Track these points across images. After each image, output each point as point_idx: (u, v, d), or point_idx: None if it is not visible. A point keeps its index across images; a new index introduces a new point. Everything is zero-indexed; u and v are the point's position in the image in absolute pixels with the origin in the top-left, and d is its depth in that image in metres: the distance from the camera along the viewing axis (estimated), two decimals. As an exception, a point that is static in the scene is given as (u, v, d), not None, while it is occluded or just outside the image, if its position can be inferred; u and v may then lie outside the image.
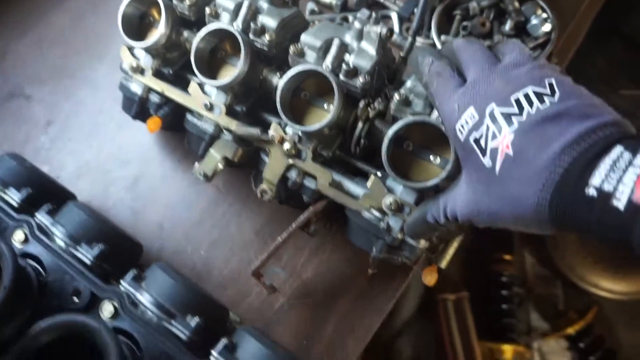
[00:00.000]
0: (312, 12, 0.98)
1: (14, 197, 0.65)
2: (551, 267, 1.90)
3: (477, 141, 0.44)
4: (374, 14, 0.63)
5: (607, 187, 0.35)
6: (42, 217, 0.63)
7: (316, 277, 0.77)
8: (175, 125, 0.78)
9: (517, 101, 0.42)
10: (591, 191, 0.36)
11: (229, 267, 0.78)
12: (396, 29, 0.95)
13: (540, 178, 0.38)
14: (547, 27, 0.81)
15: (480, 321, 1.68)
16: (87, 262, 0.61)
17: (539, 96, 0.41)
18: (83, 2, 1.05)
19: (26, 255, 0.61)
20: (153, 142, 0.88)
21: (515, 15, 0.82)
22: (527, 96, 0.42)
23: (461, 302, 1.71)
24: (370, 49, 0.64)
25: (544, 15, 0.82)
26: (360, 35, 0.65)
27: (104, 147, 0.89)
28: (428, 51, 0.54)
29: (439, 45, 0.85)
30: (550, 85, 0.42)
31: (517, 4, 0.83)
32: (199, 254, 0.79)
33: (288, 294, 0.76)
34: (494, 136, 0.42)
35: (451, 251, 0.66)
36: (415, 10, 0.94)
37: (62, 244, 0.62)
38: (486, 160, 0.43)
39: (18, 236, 0.61)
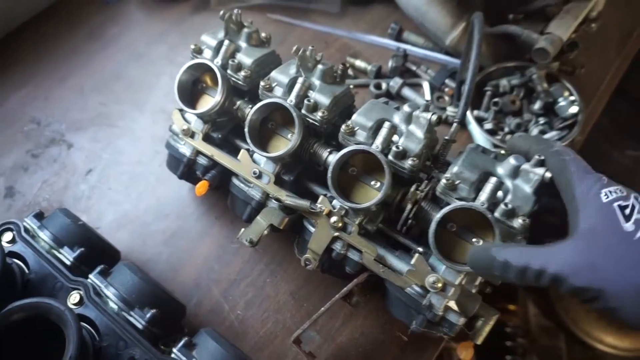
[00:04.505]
0: (348, 76, 1.02)
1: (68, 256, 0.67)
2: (555, 319, 1.92)
3: (621, 208, 0.50)
4: (426, 101, 0.67)
5: None
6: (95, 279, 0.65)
7: (350, 342, 0.79)
8: (219, 185, 0.80)
9: None
10: None
11: (264, 328, 0.80)
12: (427, 97, 0.99)
13: None
14: (574, 109, 0.86)
15: (485, 371, 1.68)
16: (140, 326, 0.63)
17: None
18: (126, 52, 1.09)
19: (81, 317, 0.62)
20: (191, 197, 0.91)
21: (544, 96, 0.87)
22: None
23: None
24: (419, 132, 0.67)
25: (572, 97, 0.87)
26: (409, 119, 0.68)
27: (142, 199, 0.91)
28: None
29: (471, 118, 0.88)
30: None
31: (545, 85, 0.88)
32: (236, 313, 0.81)
33: (323, 358, 0.77)
34: None
35: (488, 328, 0.68)
36: (447, 80, 0.99)
37: (115, 307, 0.64)
38: (628, 225, 0.48)
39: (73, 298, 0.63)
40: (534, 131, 0.86)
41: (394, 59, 1.00)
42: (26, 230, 0.70)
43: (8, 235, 0.68)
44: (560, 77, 0.89)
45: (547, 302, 1.92)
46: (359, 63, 1.03)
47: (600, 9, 0.90)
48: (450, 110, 0.95)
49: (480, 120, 0.88)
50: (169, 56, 1.07)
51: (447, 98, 0.98)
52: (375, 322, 0.80)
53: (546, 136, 0.85)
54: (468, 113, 0.88)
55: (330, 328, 0.80)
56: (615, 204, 0.50)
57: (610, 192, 0.51)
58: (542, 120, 0.87)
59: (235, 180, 0.78)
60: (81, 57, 1.07)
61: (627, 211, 0.49)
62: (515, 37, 0.84)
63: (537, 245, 0.54)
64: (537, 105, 0.87)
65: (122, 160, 0.95)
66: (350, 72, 1.03)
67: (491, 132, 0.87)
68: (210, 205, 0.90)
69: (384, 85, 0.99)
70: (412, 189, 0.66)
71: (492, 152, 0.72)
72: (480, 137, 0.88)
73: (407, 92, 0.99)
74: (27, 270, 0.66)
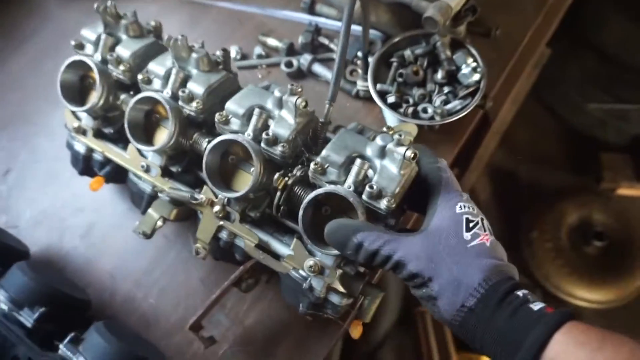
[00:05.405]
0: (260, 56, 1.00)
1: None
2: (528, 276, 1.93)
3: (468, 220, 0.57)
4: (291, 85, 0.66)
5: (531, 298, 0.52)
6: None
7: (257, 325, 0.81)
8: (123, 178, 0.81)
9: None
10: (520, 293, 0.53)
11: (176, 315, 0.82)
12: (341, 71, 0.97)
13: (495, 265, 0.55)
14: (476, 76, 0.83)
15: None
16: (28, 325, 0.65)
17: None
18: (41, 45, 1.08)
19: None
20: (105, 190, 0.91)
21: (447, 64, 0.84)
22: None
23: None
24: (290, 117, 0.66)
25: (474, 64, 0.84)
26: (280, 104, 0.67)
27: (59, 195, 0.93)
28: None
29: (372, 91, 0.86)
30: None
31: (449, 53, 0.85)
32: (148, 302, 0.83)
33: (231, 340, 0.80)
34: (481, 229, 0.57)
35: (374, 307, 0.69)
36: (359, 53, 0.96)
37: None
38: (467, 235, 0.56)
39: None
40: (437, 102, 0.84)
41: (305, 34, 0.98)
42: None
43: None
44: (466, 43, 0.86)
45: (520, 258, 1.94)
46: (271, 41, 1.00)
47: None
48: (360, 85, 0.94)
49: (384, 94, 0.87)
50: (84, 48, 1.06)
51: (360, 71, 0.96)
52: (281, 303, 0.82)
53: (449, 106, 0.83)
54: (370, 87, 0.86)
55: (238, 311, 0.82)
56: (464, 216, 0.57)
57: (464, 206, 0.59)
58: (446, 89, 0.85)
59: (130, 175, 0.78)
60: (-1, 56, 1.07)
61: (471, 225, 0.57)
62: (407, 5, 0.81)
63: (389, 232, 0.58)
64: (440, 75, 0.85)
65: (39, 158, 0.96)
66: (262, 52, 1.00)
67: (395, 106, 0.85)
68: (123, 197, 0.91)
69: (295, 63, 0.97)
70: (276, 175, 0.65)
71: (371, 131, 0.71)
72: (386, 112, 0.87)
73: (317, 68, 0.97)
74: None
